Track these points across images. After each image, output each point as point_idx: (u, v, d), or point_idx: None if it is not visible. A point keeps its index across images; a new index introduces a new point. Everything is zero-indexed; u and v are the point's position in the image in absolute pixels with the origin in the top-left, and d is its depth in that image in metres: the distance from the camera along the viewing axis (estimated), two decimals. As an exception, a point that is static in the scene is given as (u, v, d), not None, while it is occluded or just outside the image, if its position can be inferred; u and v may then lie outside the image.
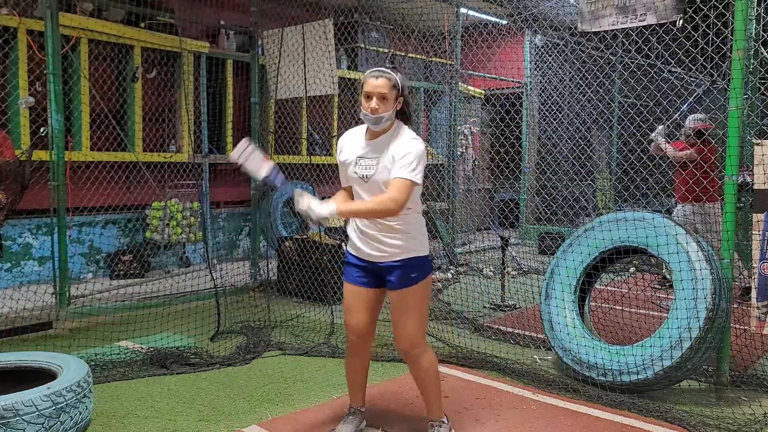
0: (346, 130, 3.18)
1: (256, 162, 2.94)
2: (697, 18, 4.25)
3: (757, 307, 3.69)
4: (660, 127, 6.10)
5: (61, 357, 3.35)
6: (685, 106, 6.36)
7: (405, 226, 2.90)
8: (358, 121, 3.04)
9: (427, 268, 2.98)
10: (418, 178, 2.80)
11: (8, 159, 4.53)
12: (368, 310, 3.04)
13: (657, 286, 6.60)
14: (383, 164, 2.85)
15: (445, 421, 3.12)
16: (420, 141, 2.88)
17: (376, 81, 2.84)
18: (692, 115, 6.03)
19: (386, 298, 3.07)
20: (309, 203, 2.83)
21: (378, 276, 3.00)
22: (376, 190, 2.88)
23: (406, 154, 2.81)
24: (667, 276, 6.56)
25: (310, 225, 2.85)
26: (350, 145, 3.02)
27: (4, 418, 2.73)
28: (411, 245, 2.92)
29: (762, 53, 4.57)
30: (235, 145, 7.48)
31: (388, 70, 2.88)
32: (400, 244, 2.90)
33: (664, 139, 6.09)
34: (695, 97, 6.34)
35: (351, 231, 3.04)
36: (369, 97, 2.84)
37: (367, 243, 2.96)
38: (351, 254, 3.07)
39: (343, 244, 5.81)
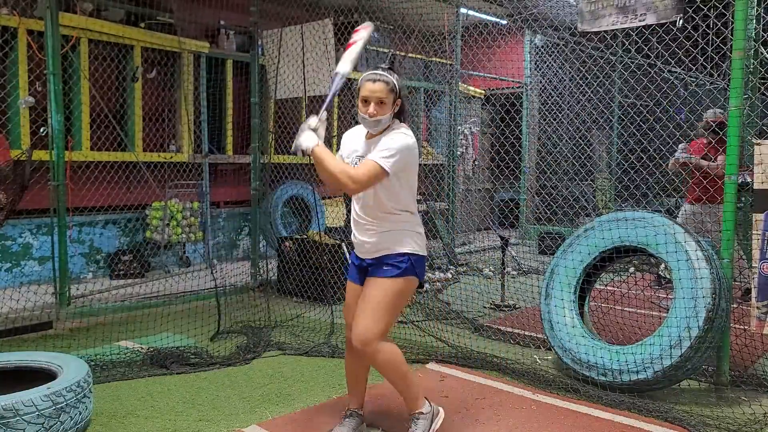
0: (346, 130, 3.17)
1: (355, 54, 2.90)
2: (697, 18, 4.25)
3: (757, 307, 3.68)
4: (681, 145, 5.97)
5: (61, 357, 3.35)
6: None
7: (391, 225, 2.88)
8: (358, 122, 3.02)
9: (407, 268, 2.88)
10: (388, 165, 2.73)
11: (1, 164, 4.43)
12: None
13: (656, 286, 6.59)
14: None
15: (425, 411, 3.03)
16: (407, 135, 2.84)
17: (373, 85, 2.79)
18: (710, 110, 5.95)
19: None
20: (308, 126, 2.77)
21: (366, 273, 3.00)
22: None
23: (387, 143, 2.78)
24: (662, 274, 6.54)
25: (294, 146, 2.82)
26: (350, 142, 3.02)
27: (4, 418, 2.73)
28: (393, 243, 2.88)
29: (762, 53, 4.57)
30: (235, 145, 7.59)
31: (385, 73, 2.82)
32: (382, 242, 2.89)
33: (686, 154, 5.89)
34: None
35: (352, 226, 3.03)
36: (366, 101, 2.80)
37: (358, 240, 2.98)
38: (352, 252, 3.10)
39: (343, 244, 5.82)
